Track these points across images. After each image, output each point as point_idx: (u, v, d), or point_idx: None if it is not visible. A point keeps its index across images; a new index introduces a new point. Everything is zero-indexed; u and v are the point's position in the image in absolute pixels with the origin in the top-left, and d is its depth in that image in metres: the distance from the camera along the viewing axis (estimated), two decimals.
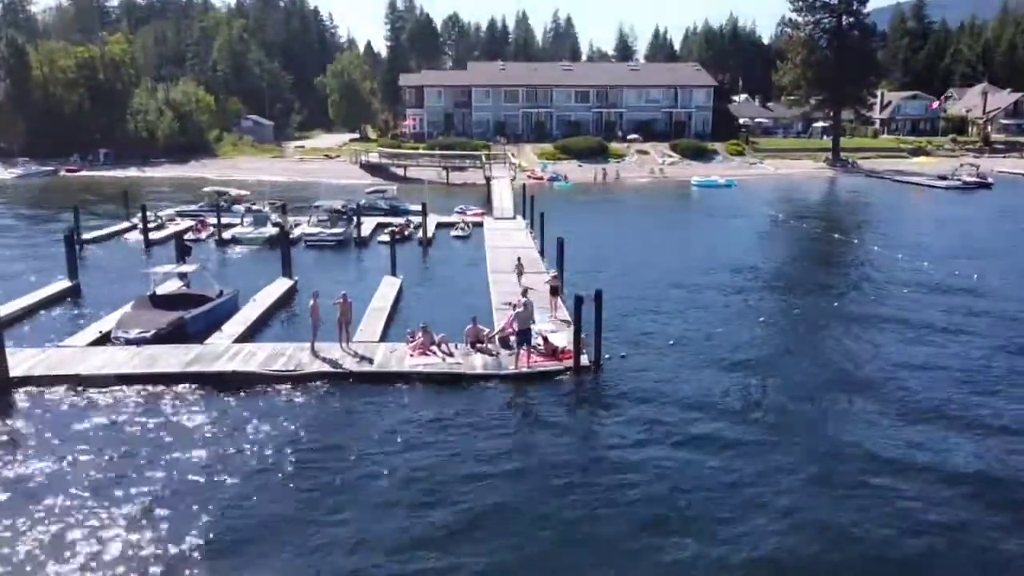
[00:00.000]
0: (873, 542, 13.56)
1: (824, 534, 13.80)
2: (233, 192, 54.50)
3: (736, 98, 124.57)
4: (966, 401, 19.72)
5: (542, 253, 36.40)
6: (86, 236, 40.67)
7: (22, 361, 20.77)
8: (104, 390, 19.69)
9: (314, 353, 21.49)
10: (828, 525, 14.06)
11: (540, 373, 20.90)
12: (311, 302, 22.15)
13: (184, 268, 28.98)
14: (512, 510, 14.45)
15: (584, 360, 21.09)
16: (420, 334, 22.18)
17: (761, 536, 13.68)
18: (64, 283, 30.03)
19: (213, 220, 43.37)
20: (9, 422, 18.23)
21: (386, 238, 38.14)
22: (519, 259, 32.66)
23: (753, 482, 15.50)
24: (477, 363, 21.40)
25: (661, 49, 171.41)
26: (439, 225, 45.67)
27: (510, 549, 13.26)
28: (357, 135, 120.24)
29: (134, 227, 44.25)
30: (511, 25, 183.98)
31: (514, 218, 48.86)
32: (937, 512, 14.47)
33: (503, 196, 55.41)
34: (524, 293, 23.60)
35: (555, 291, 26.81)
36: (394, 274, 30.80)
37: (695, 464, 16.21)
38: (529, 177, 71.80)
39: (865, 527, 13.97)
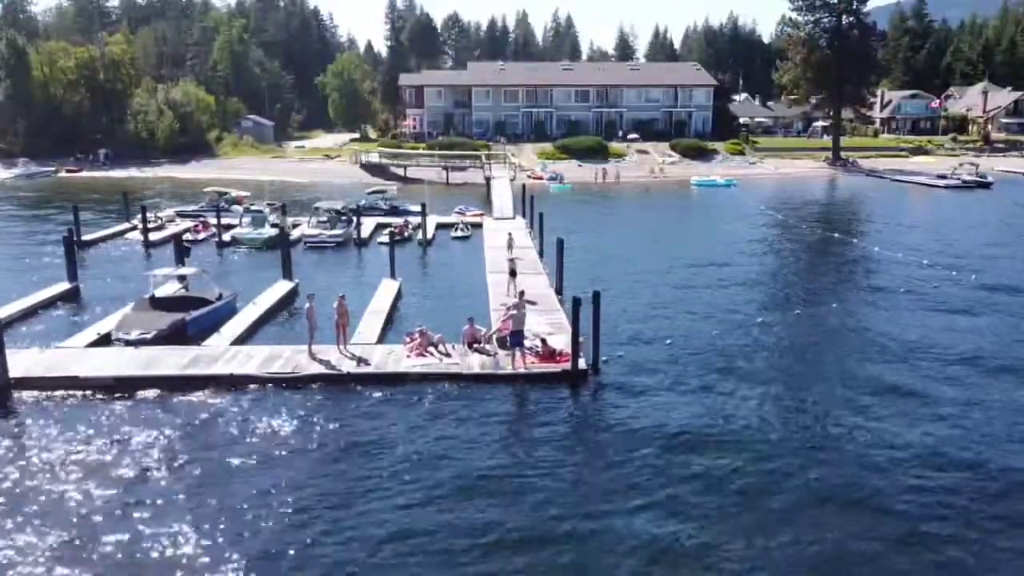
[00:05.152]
0: (876, 551, 13.59)
1: (826, 544, 13.77)
2: (233, 193, 54.58)
3: (736, 97, 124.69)
4: (966, 398, 19.78)
5: (541, 253, 36.41)
6: (86, 237, 40.66)
7: (20, 362, 20.80)
8: (102, 392, 19.72)
9: (312, 355, 21.51)
10: (829, 533, 14.06)
11: (538, 375, 20.90)
12: (307, 304, 22.20)
13: (184, 270, 28.99)
14: (508, 509, 14.46)
15: (582, 363, 21.07)
16: (418, 335, 22.22)
17: (757, 539, 13.70)
18: (63, 284, 30.02)
19: (213, 221, 43.38)
20: (7, 423, 18.26)
21: (386, 239, 38.24)
22: (510, 234, 35.06)
23: (751, 484, 15.52)
24: (474, 364, 21.43)
25: (661, 49, 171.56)
26: (439, 225, 45.68)
27: (504, 549, 13.28)
28: (357, 135, 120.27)
29: (134, 228, 44.28)
30: (511, 25, 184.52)
31: (513, 218, 48.88)
32: (949, 527, 14.47)
33: (503, 196, 55.46)
34: (520, 296, 23.60)
35: (513, 273, 28.56)
36: (393, 276, 30.78)
37: (691, 466, 16.20)
38: (529, 177, 71.82)
39: (868, 532, 14.01)
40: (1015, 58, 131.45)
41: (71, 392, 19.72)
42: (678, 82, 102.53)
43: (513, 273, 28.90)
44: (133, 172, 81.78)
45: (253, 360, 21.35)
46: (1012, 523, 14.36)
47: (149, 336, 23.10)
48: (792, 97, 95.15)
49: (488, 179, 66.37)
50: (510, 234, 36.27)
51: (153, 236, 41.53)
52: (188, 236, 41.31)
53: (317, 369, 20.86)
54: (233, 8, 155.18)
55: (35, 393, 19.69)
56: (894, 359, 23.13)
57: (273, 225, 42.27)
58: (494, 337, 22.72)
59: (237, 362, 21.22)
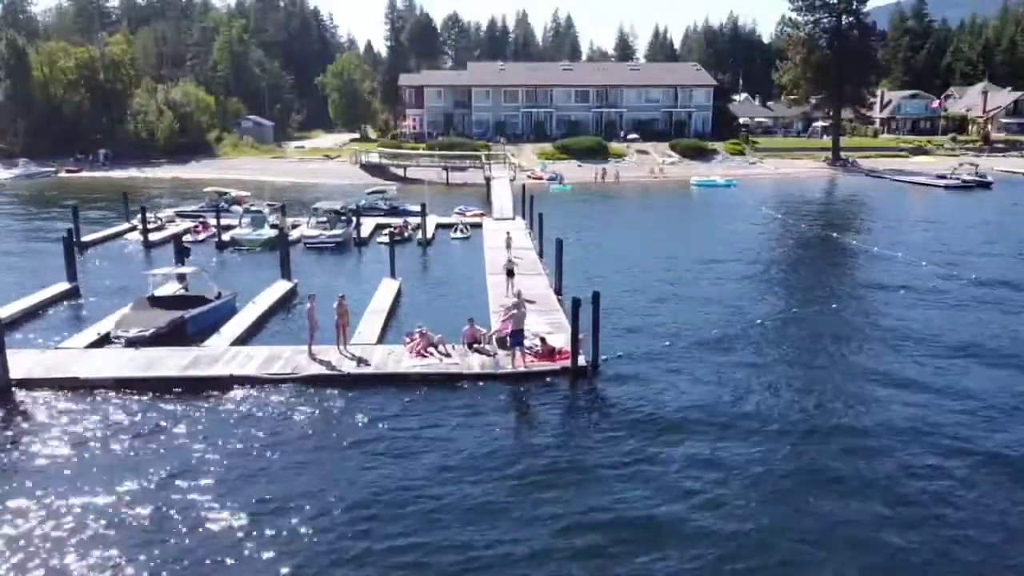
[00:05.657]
0: (871, 545, 13.63)
1: (810, 537, 13.85)
2: (233, 193, 54.59)
3: (736, 98, 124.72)
4: (960, 387, 19.93)
5: (541, 254, 36.41)
6: (86, 238, 40.64)
7: (21, 363, 20.83)
8: (102, 393, 19.74)
9: (312, 356, 21.52)
10: (814, 526, 14.13)
11: (538, 373, 20.95)
12: (308, 305, 22.22)
13: (183, 270, 29.04)
14: (507, 510, 14.48)
15: (581, 360, 21.11)
16: (418, 335, 22.24)
17: (755, 541, 13.73)
18: (63, 285, 30.05)
19: (213, 221, 43.37)
20: (8, 424, 18.28)
21: (385, 239, 38.26)
22: (508, 234, 35.60)
23: (748, 483, 15.54)
24: (475, 364, 21.45)
25: (661, 49, 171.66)
26: (439, 226, 45.70)
27: (503, 550, 13.29)
28: (357, 135, 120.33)
29: (133, 228, 44.29)
30: (511, 25, 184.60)
31: (513, 219, 48.86)
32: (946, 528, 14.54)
33: (503, 196, 55.47)
34: (519, 295, 23.67)
35: (511, 273, 28.88)
36: (393, 276, 30.82)
37: (690, 466, 16.21)
38: (529, 177, 71.83)
39: (863, 511, 14.07)
40: (1015, 58, 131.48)
41: (72, 393, 19.73)
42: (678, 82, 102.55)
43: (511, 273, 28.96)
44: (133, 172, 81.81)
45: (253, 361, 21.36)
46: (1005, 502, 14.70)
47: (148, 334, 23.11)
48: (792, 97, 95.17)
49: (488, 179, 66.38)
50: (508, 234, 36.39)
51: (153, 236, 41.56)
52: (188, 237, 41.27)
53: (317, 370, 20.88)
54: (233, 8, 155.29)
55: (36, 394, 19.71)
56: (891, 353, 23.34)
57: (272, 226, 42.24)
58: (494, 337, 22.75)
59: (237, 363, 21.23)
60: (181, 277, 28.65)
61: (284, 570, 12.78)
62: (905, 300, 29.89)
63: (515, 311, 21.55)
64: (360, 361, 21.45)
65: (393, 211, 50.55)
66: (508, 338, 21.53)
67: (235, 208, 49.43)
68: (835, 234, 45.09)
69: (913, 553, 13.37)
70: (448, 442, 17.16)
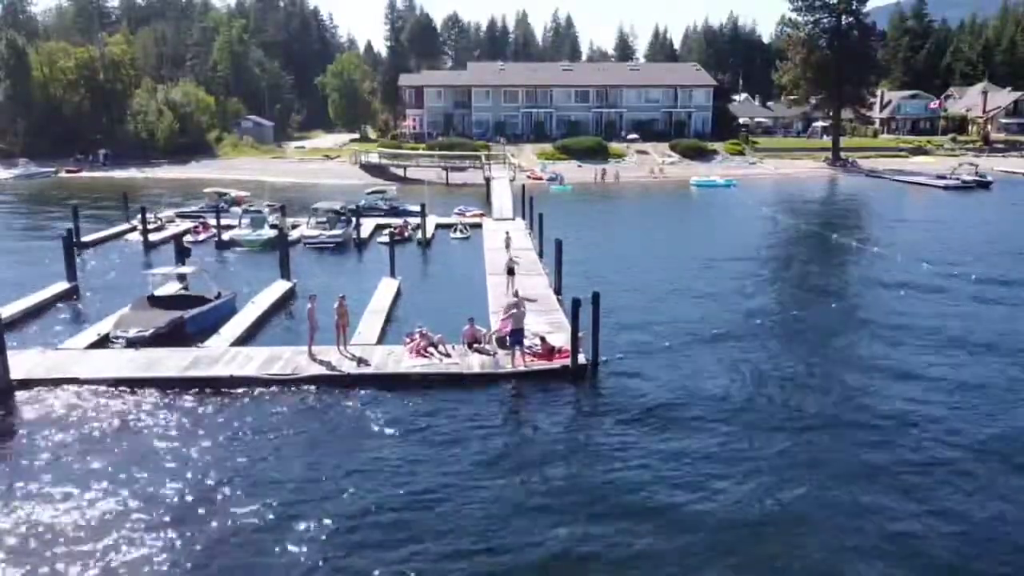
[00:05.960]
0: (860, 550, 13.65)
1: (802, 527, 13.96)
2: (233, 193, 54.60)
3: (736, 98, 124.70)
4: (965, 399, 19.87)
5: (541, 254, 36.42)
6: (86, 238, 40.61)
7: (22, 363, 20.83)
8: (102, 393, 19.73)
9: (312, 356, 21.52)
10: (807, 519, 14.20)
11: (537, 373, 20.96)
12: (308, 305, 22.21)
13: (183, 269, 29.05)
14: (507, 509, 14.49)
15: (581, 358, 21.12)
16: (418, 335, 22.25)
17: (754, 533, 13.77)
18: (63, 285, 30.06)
19: (213, 222, 43.37)
20: (9, 425, 18.29)
21: (385, 239, 38.29)
22: (507, 234, 35.82)
23: (747, 478, 15.56)
24: (475, 364, 21.46)
25: (661, 49, 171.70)
26: (438, 226, 45.72)
27: (504, 550, 13.30)
28: (357, 135, 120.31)
29: (133, 229, 44.29)
30: (511, 25, 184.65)
31: (513, 219, 48.85)
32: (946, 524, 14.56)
33: (502, 197, 55.46)
34: (516, 295, 23.69)
35: (511, 271, 29.18)
36: (393, 275, 30.85)
37: (690, 464, 16.25)
38: (529, 177, 71.81)
39: (859, 523, 14.07)
40: (1015, 58, 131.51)
41: (72, 394, 19.72)
42: (678, 82, 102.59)
43: (511, 272, 29.01)
44: (133, 172, 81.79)
45: (253, 362, 21.36)
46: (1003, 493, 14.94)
47: (147, 334, 23.12)
48: (792, 97, 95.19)
49: (488, 179, 66.35)
50: (508, 234, 36.42)
51: (153, 237, 41.55)
52: (188, 237, 41.25)
53: (317, 370, 20.87)
54: (233, 8, 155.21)
55: (36, 394, 19.70)
56: (890, 350, 23.45)
57: (272, 226, 42.23)
58: (494, 337, 22.77)
59: (237, 364, 21.22)
60: (181, 277, 28.64)
61: (283, 570, 12.78)
62: (904, 299, 29.93)
63: (515, 310, 21.57)
64: (360, 361, 21.45)
65: (393, 211, 50.56)
66: (508, 337, 21.55)
67: (235, 208, 49.42)
68: (835, 234, 45.09)
69: (911, 544, 13.45)
70: (448, 442, 17.17)
